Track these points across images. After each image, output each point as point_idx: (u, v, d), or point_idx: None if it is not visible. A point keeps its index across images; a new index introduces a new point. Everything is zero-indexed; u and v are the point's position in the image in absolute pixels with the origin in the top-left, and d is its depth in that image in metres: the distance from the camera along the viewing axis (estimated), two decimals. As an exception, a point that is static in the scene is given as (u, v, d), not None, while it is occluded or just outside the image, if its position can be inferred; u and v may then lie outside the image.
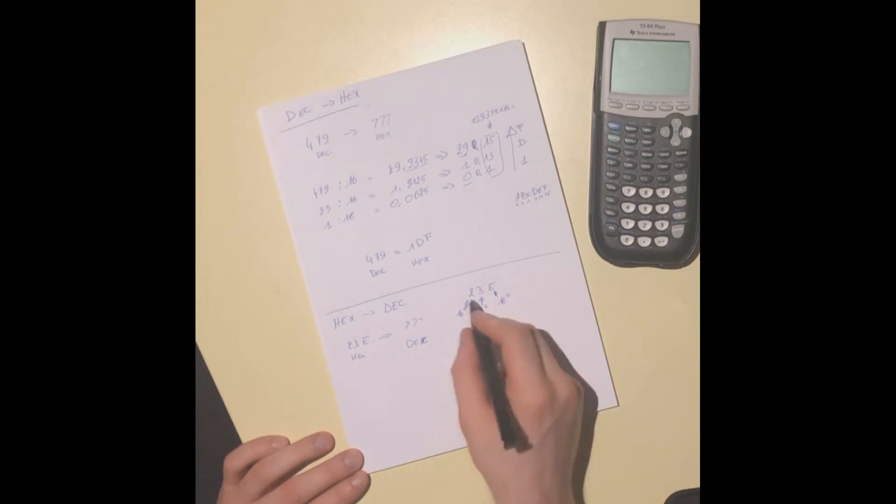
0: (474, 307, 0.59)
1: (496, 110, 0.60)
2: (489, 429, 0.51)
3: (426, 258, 0.60)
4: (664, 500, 0.59)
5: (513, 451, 0.51)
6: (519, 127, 0.60)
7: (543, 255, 0.60)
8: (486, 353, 0.55)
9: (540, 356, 0.53)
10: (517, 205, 0.60)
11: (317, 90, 0.60)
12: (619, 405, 0.60)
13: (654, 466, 0.60)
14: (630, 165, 0.57)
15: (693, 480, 0.59)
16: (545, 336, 0.59)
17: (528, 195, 0.60)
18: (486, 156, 0.60)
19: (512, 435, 0.49)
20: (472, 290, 0.60)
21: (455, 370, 0.55)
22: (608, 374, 0.60)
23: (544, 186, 0.60)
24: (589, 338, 0.60)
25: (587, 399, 0.59)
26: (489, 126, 0.60)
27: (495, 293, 0.60)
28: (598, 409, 0.60)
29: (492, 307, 0.60)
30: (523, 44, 0.59)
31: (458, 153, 0.60)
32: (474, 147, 0.60)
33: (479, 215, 0.60)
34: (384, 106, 0.60)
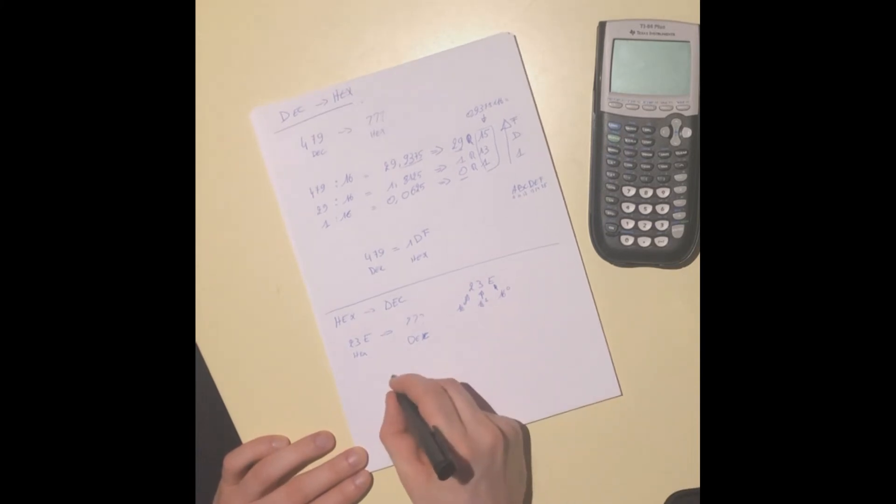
0: (394, 375, 0.60)
1: (490, 104, 0.60)
2: (421, 483, 0.53)
3: (425, 254, 0.60)
4: (664, 501, 0.60)
5: (450, 502, 0.52)
6: (513, 119, 0.60)
7: (542, 247, 0.60)
8: (414, 410, 0.56)
9: (456, 411, 0.54)
10: (514, 197, 0.60)
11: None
12: (622, 394, 0.60)
13: (654, 466, 0.60)
14: (630, 165, 0.57)
15: (693, 480, 0.59)
16: (466, 386, 0.60)
17: (524, 187, 0.60)
18: (482, 149, 0.60)
19: (444, 465, 0.49)
20: (471, 285, 0.60)
21: (381, 437, 0.57)
22: (610, 362, 0.60)
23: (540, 178, 0.60)
24: (589, 327, 0.60)
25: (524, 436, 0.60)
26: (483, 120, 0.60)
27: (495, 287, 0.60)
28: (601, 399, 0.60)
29: (492, 301, 0.60)
30: (514, 36, 0.59)
31: (454, 148, 0.60)
32: (469, 141, 0.60)
33: (477, 209, 0.60)
34: (378, 103, 0.60)
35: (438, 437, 0.52)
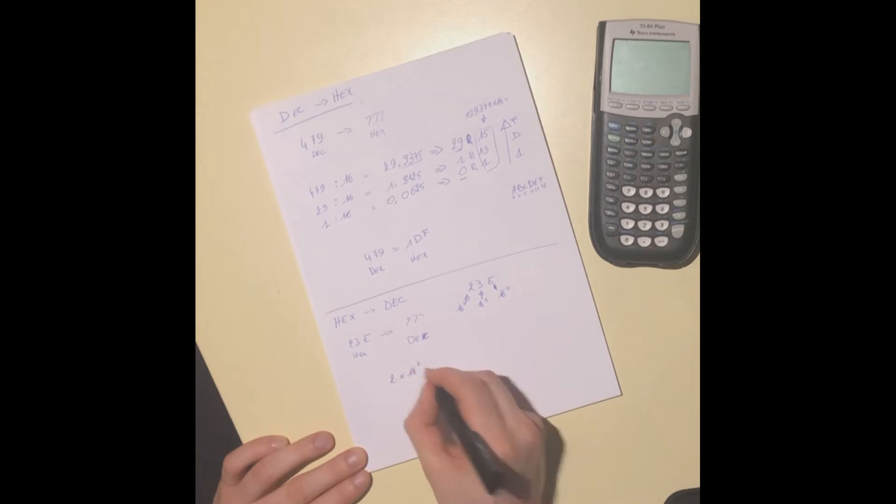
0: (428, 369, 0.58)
1: (489, 104, 0.60)
2: (449, 477, 0.52)
3: (424, 254, 0.60)
4: (664, 501, 0.60)
5: (479, 497, 0.51)
6: (513, 120, 0.60)
7: (542, 247, 0.60)
8: (451, 404, 0.54)
9: (497, 406, 0.53)
10: (514, 197, 0.60)
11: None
12: (622, 394, 0.60)
13: (654, 466, 0.60)
14: (630, 165, 0.57)
15: (693, 480, 0.59)
16: (504, 381, 0.59)
17: (524, 187, 0.60)
18: (481, 149, 0.60)
19: (494, 480, 0.48)
20: (471, 285, 0.60)
21: (407, 425, 0.55)
22: (610, 362, 0.60)
23: (540, 178, 0.60)
24: (589, 327, 0.60)
25: (547, 430, 0.59)
26: (483, 120, 0.60)
27: (494, 287, 0.60)
28: (601, 399, 0.60)
29: (492, 301, 0.60)
30: (514, 36, 0.59)
31: (453, 148, 0.60)
32: (469, 141, 0.60)
33: (476, 209, 0.60)
34: (377, 103, 0.60)
35: (483, 447, 0.50)
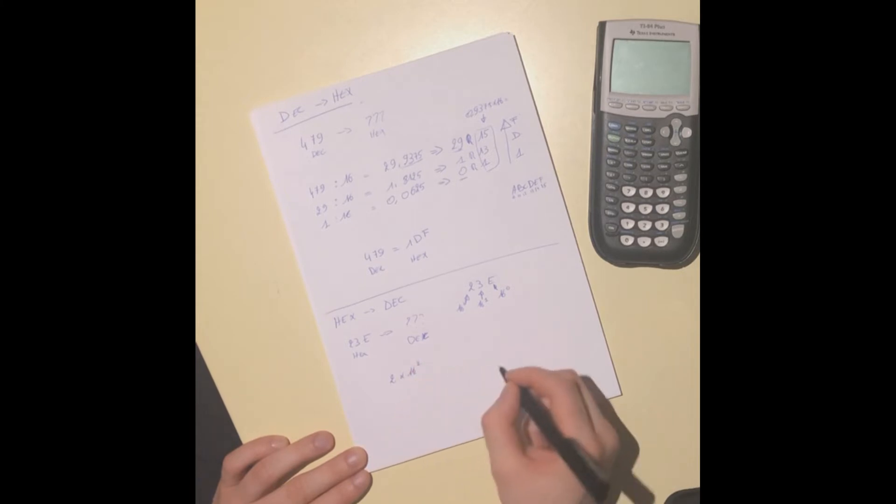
0: (504, 371, 0.56)
1: (489, 104, 0.60)
2: (524, 476, 0.50)
3: (424, 254, 0.60)
4: (664, 501, 0.60)
5: (555, 499, 0.49)
6: (513, 120, 0.60)
7: (542, 247, 0.60)
8: (537, 407, 0.52)
9: (588, 411, 0.52)
10: (514, 197, 0.60)
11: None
12: (622, 394, 0.60)
13: (654, 466, 0.60)
14: (630, 165, 0.57)
15: (693, 480, 0.59)
16: (586, 382, 0.57)
17: (524, 187, 0.60)
18: (481, 149, 0.60)
19: (602, 489, 0.47)
20: (471, 285, 0.60)
21: (488, 422, 0.52)
22: (610, 362, 0.60)
23: (540, 178, 0.60)
24: (589, 327, 0.60)
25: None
26: (483, 120, 0.60)
27: (495, 286, 0.60)
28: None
29: (492, 301, 0.60)
30: (514, 36, 0.59)
31: (453, 148, 0.60)
32: (469, 141, 0.60)
33: (476, 209, 0.60)
34: (377, 103, 0.60)
35: (585, 456, 0.49)
